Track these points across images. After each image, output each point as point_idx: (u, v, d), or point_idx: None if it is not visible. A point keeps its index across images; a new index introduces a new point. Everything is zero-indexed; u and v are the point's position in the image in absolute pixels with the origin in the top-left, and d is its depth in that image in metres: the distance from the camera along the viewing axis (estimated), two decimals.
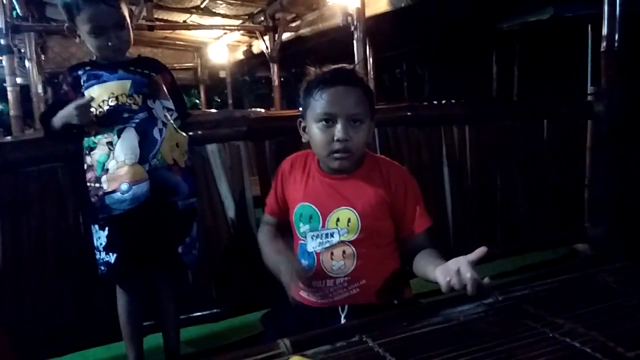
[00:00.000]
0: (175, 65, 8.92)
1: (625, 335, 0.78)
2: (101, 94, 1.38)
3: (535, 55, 6.95)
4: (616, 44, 2.30)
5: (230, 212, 1.76)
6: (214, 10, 6.51)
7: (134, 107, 1.39)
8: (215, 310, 1.77)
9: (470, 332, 0.84)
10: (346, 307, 1.23)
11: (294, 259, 1.24)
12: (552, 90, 6.42)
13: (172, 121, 1.47)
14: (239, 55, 8.92)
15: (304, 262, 1.28)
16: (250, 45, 8.10)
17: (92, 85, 1.39)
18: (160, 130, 1.41)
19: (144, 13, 5.67)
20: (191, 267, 1.57)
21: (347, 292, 1.24)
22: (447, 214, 2.11)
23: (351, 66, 1.32)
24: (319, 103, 1.22)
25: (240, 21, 7.04)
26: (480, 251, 0.99)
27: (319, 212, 1.27)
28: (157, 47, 8.86)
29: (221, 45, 8.56)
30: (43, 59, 7.52)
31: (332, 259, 1.25)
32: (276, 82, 6.73)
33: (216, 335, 1.87)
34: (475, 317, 0.90)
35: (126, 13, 1.41)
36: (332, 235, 1.25)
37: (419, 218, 1.28)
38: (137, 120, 1.38)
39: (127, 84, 1.40)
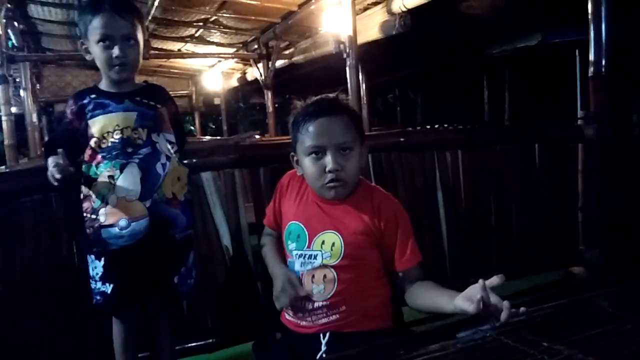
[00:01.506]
0: (170, 92, 8.92)
1: None
2: (106, 125, 1.37)
3: (526, 80, 7.07)
4: (603, 69, 2.34)
5: (226, 239, 1.75)
6: (208, 39, 6.60)
7: (139, 141, 1.37)
8: (210, 341, 1.74)
9: None
10: (327, 333, 1.22)
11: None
12: (543, 113, 6.51)
13: (174, 155, 1.45)
14: (234, 82, 9.02)
15: None
16: (244, 73, 8.19)
17: (98, 115, 1.37)
18: (164, 165, 1.40)
19: None
20: (186, 297, 1.55)
21: (326, 318, 1.24)
22: (442, 238, 2.11)
23: (334, 95, 1.33)
24: (306, 137, 1.24)
25: (235, 49, 7.13)
26: (497, 280, 0.98)
27: (306, 232, 1.28)
28: (152, 75, 8.92)
29: (215, 72, 8.65)
30: (38, 88, 7.57)
31: (312, 281, 1.25)
32: (270, 109, 6.78)
33: None
34: (472, 344, 0.90)
35: (139, 34, 1.39)
36: (314, 257, 1.25)
37: (410, 253, 1.27)
38: (140, 156, 1.37)
39: (133, 116, 1.39)
